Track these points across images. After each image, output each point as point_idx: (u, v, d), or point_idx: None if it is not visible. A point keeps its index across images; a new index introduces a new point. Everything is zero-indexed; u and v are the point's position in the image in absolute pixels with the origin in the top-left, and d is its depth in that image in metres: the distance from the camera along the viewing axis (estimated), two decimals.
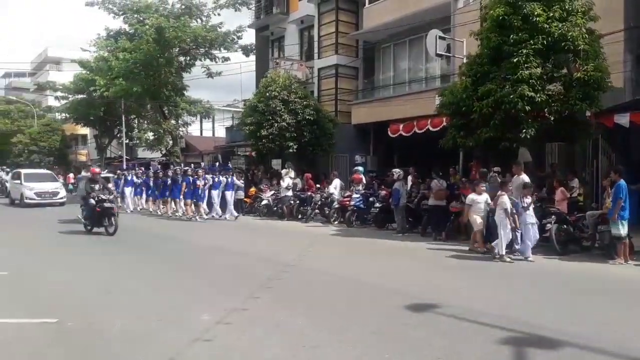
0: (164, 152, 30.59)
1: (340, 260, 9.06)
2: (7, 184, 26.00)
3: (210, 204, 17.52)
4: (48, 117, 46.85)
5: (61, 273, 8.49)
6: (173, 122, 27.95)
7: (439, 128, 15.39)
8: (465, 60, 13.50)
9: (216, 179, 17.43)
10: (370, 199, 15.44)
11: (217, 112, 38.19)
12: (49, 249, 11.19)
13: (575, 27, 10.84)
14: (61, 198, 22.61)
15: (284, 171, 18.02)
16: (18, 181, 22.75)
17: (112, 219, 12.63)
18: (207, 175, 17.54)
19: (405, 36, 19.87)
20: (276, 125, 19.15)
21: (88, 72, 31.82)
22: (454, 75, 16.09)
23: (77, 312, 6.15)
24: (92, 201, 12.64)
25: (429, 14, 17.49)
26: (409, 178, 14.27)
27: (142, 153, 37.32)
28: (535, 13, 10.79)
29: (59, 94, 39.71)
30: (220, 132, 36.87)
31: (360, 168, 16.94)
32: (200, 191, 17.14)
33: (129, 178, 21.11)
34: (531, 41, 10.82)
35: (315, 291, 7.26)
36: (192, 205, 17.32)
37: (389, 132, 19.04)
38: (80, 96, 35.52)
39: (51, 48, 59.08)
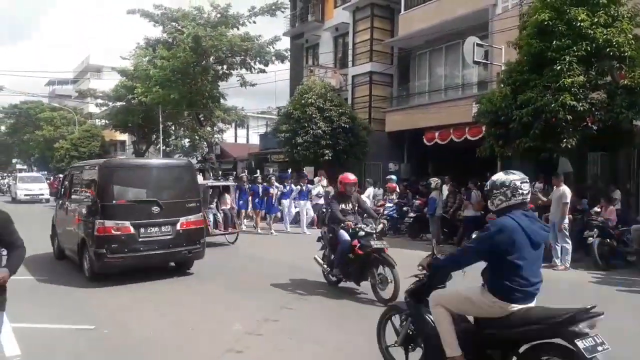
0: (199, 158, 31.05)
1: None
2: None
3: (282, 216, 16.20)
4: (89, 123, 48.37)
5: (100, 282, 8.66)
6: (208, 129, 28.34)
7: (478, 137, 15.06)
8: (504, 68, 13.21)
9: (287, 187, 16.09)
10: (404, 208, 15.25)
11: (251, 119, 38.65)
12: None
13: (621, 33, 10.44)
14: None
15: (316, 179, 17.96)
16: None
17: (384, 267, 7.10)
18: (276, 183, 16.23)
19: (442, 43, 19.61)
20: (311, 132, 19.17)
21: (127, 80, 32.72)
22: (491, 82, 15.78)
23: (113, 319, 6.25)
24: (346, 236, 7.39)
25: (466, 20, 17.22)
26: (445, 187, 14.00)
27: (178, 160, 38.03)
28: (580, 18, 10.44)
29: (99, 101, 41.02)
30: (254, 139, 37.24)
31: (394, 177, 16.76)
32: (273, 200, 15.77)
33: None
34: (574, 47, 10.47)
35: (347, 304, 7.15)
36: (260, 217, 15.80)
37: (425, 140, 18.80)
38: (119, 103, 36.55)
39: (93, 56, 61.06)
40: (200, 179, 13.14)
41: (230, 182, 15.35)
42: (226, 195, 13.80)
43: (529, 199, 3.55)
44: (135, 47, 30.19)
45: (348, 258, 7.36)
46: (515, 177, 3.46)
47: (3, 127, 64.46)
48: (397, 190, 15.99)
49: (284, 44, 27.79)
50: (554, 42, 10.70)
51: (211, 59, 24.57)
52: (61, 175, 25.76)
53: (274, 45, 25.30)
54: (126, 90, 33.14)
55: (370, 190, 16.29)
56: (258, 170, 22.34)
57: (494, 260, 3.40)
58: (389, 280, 6.87)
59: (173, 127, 35.69)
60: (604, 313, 3.17)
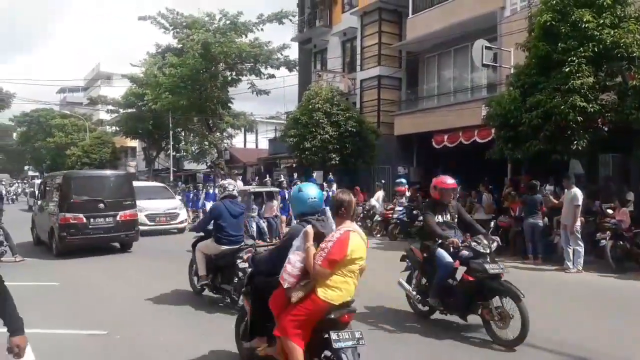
0: (208, 164, 31.23)
1: (380, 276, 8.89)
2: None
3: None
4: (99, 130, 48.84)
5: (112, 286, 8.73)
6: (218, 134, 28.51)
7: (487, 140, 14.99)
8: (512, 71, 13.16)
9: (324, 192, 14.81)
10: (414, 211, 15.18)
11: (260, 125, 38.83)
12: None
13: (629, 33, 10.37)
14: (180, 222, 16.93)
15: (325, 184, 17.93)
16: None
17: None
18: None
19: (450, 46, 19.59)
20: (319, 137, 19.20)
21: (138, 87, 33.04)
22: (500, 84, 15.72)
23: (125, 325, 6.29)
24: (448, 257, 5.96)
25: (475, 23, 17.19)
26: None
27: (188, 165, 38.28)
28: (585, 19, 10.40)
29: (110, 107, 41.45)
30: (264, 144, 37.39)
31: (404, 180, 16.72)
32: None
33: (211, 191, 18.63)
34: (581, 49, 10.42)
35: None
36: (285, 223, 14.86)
37: (434, 143, 18.75)
38: (130, 110, 36.90)
39: (103, 63, 61.67)
40: (239, 184, 12.79)
41: (274, 188, 14.03)
42: (272, 202, 12.83)
43: (235, 193, 7.51)
44: (145, 54, 30.55)
45: (450, 285, 5.93)
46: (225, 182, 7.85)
47: (15, 135, 65.26)
48: (407, 193, 15.95)
49: (292, 49, 27.96)
50: (560, 44, 10.66)
51: (220, 65, 24.73)
52: None
53: (282, 52, 25.48)
54: (136, 97, 33.49)
55: (380, 194, 16.31)
56: (267, 175, 22.33)
57: (214, 224, 7.11)
58: (511, 316, 5.31)
59: (183, 133, 35.95)
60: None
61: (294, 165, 22.77)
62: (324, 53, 26.71)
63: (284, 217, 14.75)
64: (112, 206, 11.99)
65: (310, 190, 4.20)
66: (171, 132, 32.22)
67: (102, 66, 61.64)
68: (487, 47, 15.15)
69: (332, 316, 3.66)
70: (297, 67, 26.98)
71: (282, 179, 17.66)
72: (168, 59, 26.32)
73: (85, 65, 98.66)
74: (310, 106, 19.84)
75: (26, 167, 67.87)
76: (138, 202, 13.35)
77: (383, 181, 19.06)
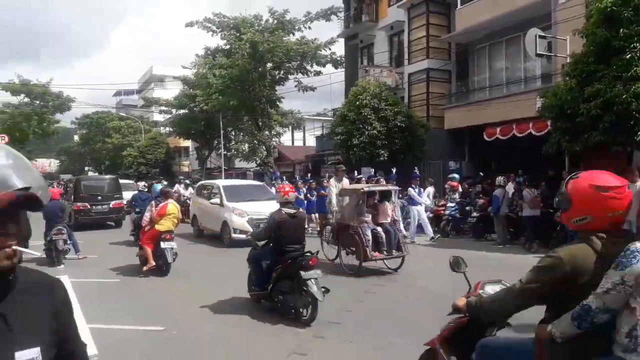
0: (258, 162, 31.69)
1: (433, 274, 8.74)
2: (189, 202, 17.77)
3: None
4: (154, 131, 50.50)
5: (171, 282, 9.01)
6: (267, 133, 28.88)
7: (543, 132, 14.43)
8: (569, 59, 12.59)
9: (415, 189, 14.10)
10: (467, 207, 14.84)
11: (308, 122, 39.02)
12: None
13: None
14: None
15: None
16: (216, 200, 14.10)
17: None
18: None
19: (501, 36, 18.98)
20: (367, 133, 19.08)
21: (189, 89, 33.95)
22: (556, 74, 15.08)
23: (182, 321, 6.47)
24: None
25: (527, 11, 16.56)
26: (510, 185, 13.46)
27: (239, 163, 38.98)
28: None
29: (163, 108, 42.81)
30: (311, 141, 37.56)
31: (456, 175, 16.36)
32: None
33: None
34: None
35: (406, 307, 7.06)
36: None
37: (485, 136, 18.24)
38: (182, 111, 37.96)
39: (156, 66, 63.74)
40: (344, 183, 11.38)
41: (393, 186, 11.09)
42: (386, 203, 10.00)
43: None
44: (195, 56, 31.33)
45: None
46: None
47: (76, 137, 68.53)
48: (459, 189, 15.60)
49: (338, 45, 27.92)
50: (621, 30, 10.10)
51: (268, 65, 25.02)
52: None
53: (329, 48, 25.48)
54: (188, 98, 34.41)
55: (430, 190, 15.93)
56: (310, 175, 22.44)
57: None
58: None
59: (233, 133, 36.65)
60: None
61: (342, 162, 22.70)
62: (370, 48, 26.51)
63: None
64: (106, 198, 18.24)
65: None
66: (222, 132, 32.91)
67: (154, 69, 63.70)
68: (541, 36, 14.55)
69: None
70: (344, 61, 26.92)
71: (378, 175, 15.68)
72: (218, 60, 26.89)
73: (139, 68, 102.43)
74: (357, 102, 19.73)
75: (86, 168, 71.08)
76: (235, 204, 13.18)
77: (433, 178, 18.72)
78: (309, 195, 16.59)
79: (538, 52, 14.51)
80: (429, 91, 22.08)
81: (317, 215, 16.07)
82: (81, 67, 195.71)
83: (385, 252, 9.27)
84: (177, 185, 22.94)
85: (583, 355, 2.20)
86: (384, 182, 12.48)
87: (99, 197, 18.00)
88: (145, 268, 9.35)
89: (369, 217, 9.46)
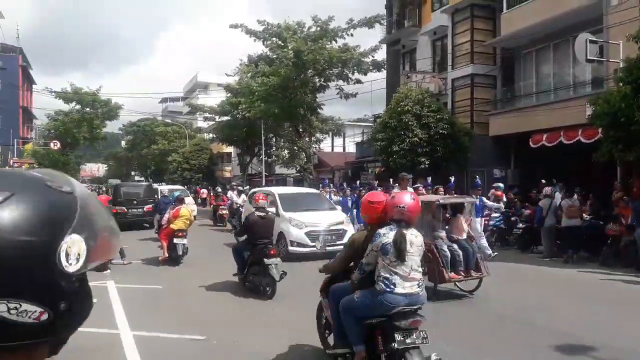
0: (298, 168, 31.85)
1: (479, 288, 8.46)
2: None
3: None
4: (198, 137, 51.62)
5: (213, 292, 9.10)
6: (307, 139, 28.98)
7: (593, 140, 13.85)
8: (622, 65, 12.04)
9: (476, 199, 12.20)
10: (512, 218, 14.39)
11: (348, 128, 38.94)
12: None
13: None
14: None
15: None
16: (271, 209, 11.12)
17: None
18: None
19: (549, 40, 18.39)
20: (408, 140, 18.84)
21: (232, 96, 34.53)
22: (608, 80, 14.47)
23: (223, 330, 6.50)
24: None
25: (576, 15, 15.99)
26: (557, 195, 12.94)
27: (279, 169, 39.31)
28: None
29: (207, 115, 43.70)
30: (351, 148, 37.47)
31: (501, 184, 15.87)
32: None
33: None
34: None
35: (456, 322, 6.85)
36: None
37: (531, 143, 17.69)
38: (225, 118, 38.63)
39: (200, 74, 65.16)
40: (421, 194, 9.44)
41: (470, 197, 10.19)
42: (459, 216, 8.80)
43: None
44: (239, 64, 31.79)
45: None
46: None
47: (123, 142, 70.85)
48: (504, 198, 15.13)
49: (380, 51, 27.76)
50: None
51: (309, 71, 25.10)
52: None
53: (373, 55, 25.37)
54: (231, 105, 34.99)
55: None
56: (358, 181, 22.23)
57: None
58: None
59: (274, 139, 36.98)
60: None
61: (382, 169, 22.49)
62: (413, 53, 26.22)
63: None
64: (141, 202, 19.89)
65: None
66: (263, 139, 33.26)
67: (199, 76, 65.14)
68: (591, 41, 13.98)
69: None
70: (386, 66, 26.74)
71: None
72: (261, 68, 27.16)
73: (184, 75, 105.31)
74: (398, 109, 19.53)
75: (133, 173, 73.29)
76: (292, 215, 12.34)
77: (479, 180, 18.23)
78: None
79: (588, 57, 13.94)
80: (473, 97, 21.64)
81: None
82: (129, 74, 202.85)
83: (462, 273, 8.12)
84: (229, 192, 21.58)
85: (365, 286, 4.27)
86: (442, 191, 12.17)
87: (135, 202, 19.87)
88: (160, 258, 11.64)
89: (443, 233, 8.48)
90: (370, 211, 4.56)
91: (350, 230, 12.12)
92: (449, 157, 19.01)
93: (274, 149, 38.17)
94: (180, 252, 11.43)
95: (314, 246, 10.90)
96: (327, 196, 16.64)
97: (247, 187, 25.67)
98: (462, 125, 20.22)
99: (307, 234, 11.88)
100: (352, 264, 4.62)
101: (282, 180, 36.72)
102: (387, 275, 4.07)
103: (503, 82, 21.40)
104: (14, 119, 42.55)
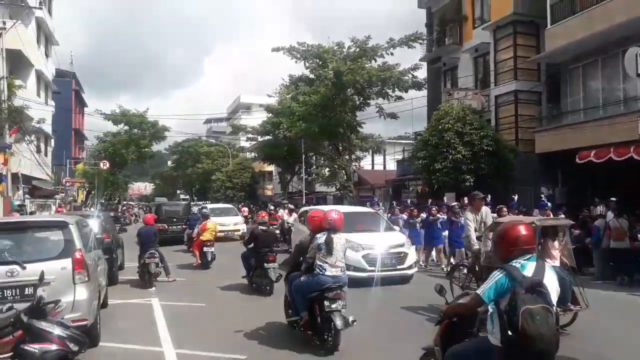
0: (338, 186, 31.87)
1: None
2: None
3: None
4: (240, 156, 52.55)
5: (253, 312, 9.14)
6: (347, 157, 29.03)
7: None
8: None
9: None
10: None
11: (388, 146, 38.78)
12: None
13: None
14: (409, 267, 11.17)
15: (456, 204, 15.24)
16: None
17: None
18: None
19: (597, 55, 17.83)
20: (450, 157, 18.56)
21: (274, 116, 35.10)
22: None
23: (263, 351, 6.48)
24: None
25: (625, 28, 15.45)
26: (610, 214, 12.37)
27: (319, 187, 39.45)
28: None
29: (249, 135, 44.51)
30: (391, 165, 37.23)
31: (549, 203, 15.33)
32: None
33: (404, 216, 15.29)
34: None
35: None
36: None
37: (577, 159, 17.03)
38: (266, 137, 39.23)
39: (243, 95, 66.61)
40: (483, 213, 8.63)
41: (565, 220, 8.68)
42: (549, 242, 7.40)
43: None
44: (279, 84, 32.39)
45: None
46: None
47: (169, 162, 72.86)
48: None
49: (420, 69, 27.68)
50: None
51: (349, 90, 25.26)
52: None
53: (412, 74, 25.36)
54: (272, 125, 35.56)
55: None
56: (394, 201, 22.05)
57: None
58: None
59: (314, 157, 37.23)
60: None
61: (425, 188, 22.18)
62: (454, 71, 25.98)
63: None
64: (180, 220, 20.92)
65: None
66: (304, 157, 33.53)
67: (242, 97, 66.59)
68: None
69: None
70: (427, 84, 26.62)
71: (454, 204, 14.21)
72: (301, 88, 27.55)
73: (228, 97, 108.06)
74: (439, 126, 19.31)
75: (178, 191, 75.12)
76: (347, 236, 8.62)
77: (519, 204, 17.70)
78: (411, 222, 14.61)
79: (639, 72, 13.43)
80: (517, 114, 21.16)
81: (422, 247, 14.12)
82: (176, 96, 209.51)
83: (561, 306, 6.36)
84: (280, 211, 21.11)
85: (309, 272, 6.41)
86: (506, 211, 11.62)
87: (174, 219, 21.22)
88: (194, 264, 14.08)
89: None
90: (313, 223, 6.86)
91: (412, 254, 11.36)
92: (493, 174, 18.59)
93: (314, 167, 38.41)
94: (209, 259, 13.78)
95: (372, 271, 10.38)
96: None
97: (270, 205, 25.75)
98: (507, 142, 19.77)
99: (365, 257, 10.75)
100: (301, 259, 6.64)
101: (322, 199, 36.80)
102: (320, 264, 6.22)
103: (548, 98, 20.85)
104: (67, 140, 44.46)
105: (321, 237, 6.30)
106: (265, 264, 9.79)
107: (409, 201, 18.94)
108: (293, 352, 6.42)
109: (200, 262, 13.86)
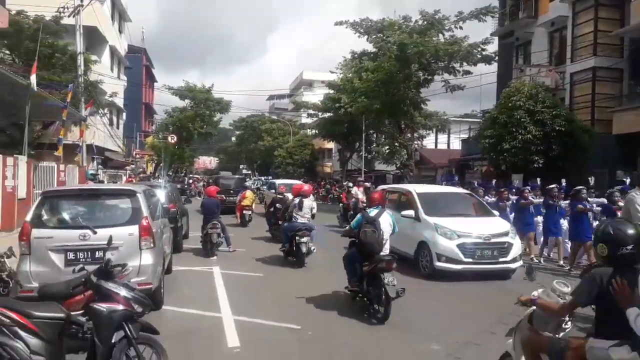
0: (398, 165, 31.38)
1: None
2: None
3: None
4: (301, 133, 52.86)
5: (309, 283, 9.20)
6: (408, 135, 28.46)
7: None
8: None
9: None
10: None
11: (453, 124, 37.63)
12: None
13: None
14: (513, 260, 9.36)
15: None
16: (408, 212, 10.11)
17: None
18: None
19: None
20: (520, 137, 17.71)
21: (335, 93, 34.86)
22: None
23: (317, 321, 6.52)
24: None
25: None
26: None
27: (379, 166, 39.06)
28: None
29: (310, 111, 44.59)
30: (456, 145, 36.16)
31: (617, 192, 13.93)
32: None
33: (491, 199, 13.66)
34: None
35: None
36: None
37: None
38: (327, 114, 39.14)
39: (306, 72, 66.59)
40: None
41: None
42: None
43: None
44: (342, 60, 32.00)
45: None
46: None
47: (233, 138, 74.54)
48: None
49: (492, 44, 26.50)
50: None
51: (414, 66, 24.59)
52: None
53: (483, 48, 24.35)
54: (332, 102, 35.36)
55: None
56: (457, 177, 21.34)
57: None
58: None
59: (375, 135, 36.80)
60: None
61: (490, 168, 21.39)
62: (527, 46, 24.70)
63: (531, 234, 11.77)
64: (235, 192, 22.08)
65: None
66: (364, 134, 33.20)
67: (304, 74, 66.63)
68: None
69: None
70: (497, 60, 25.48)
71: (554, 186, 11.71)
72: (365, 63, 27.10)
73: (291, 74, 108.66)
74: (510, 104, 18.44)
75: (241, 166, 76.87)
76: (437, 220, 9.53)
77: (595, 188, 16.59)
78: (501, 204, 12.56)
79: None
80: (594, 92, 19.87)
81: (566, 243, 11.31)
82: (240, 72, 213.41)
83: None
84: (354, 189, 18.89)
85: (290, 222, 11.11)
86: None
87: (231, 191, 22.71)
88: (236, 222, 17.53)
89: None
90: (294, 191, 11.78)
91: (517, 245, 9.60)
92: (566, 156, 17.60)
93: (374, 145, 37.98)
94: (247, 219, 17.87)
95: (468, 263, 9.03)
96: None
97: (347, 182, 25.45)
98: (581, 122, 18.63)
99: (460, 246, 9.12)
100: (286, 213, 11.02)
101: (381, 177, 36.44)
102: (295, 215, 10.61)
103: (631, 76, 19.42)
104: (137, 114, 46.39)
105: (295, 199, 11.06)
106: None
107: (476, 183, 18.15)
108: (346, 322, 6.43)
109: (240, 221, 17.64)
